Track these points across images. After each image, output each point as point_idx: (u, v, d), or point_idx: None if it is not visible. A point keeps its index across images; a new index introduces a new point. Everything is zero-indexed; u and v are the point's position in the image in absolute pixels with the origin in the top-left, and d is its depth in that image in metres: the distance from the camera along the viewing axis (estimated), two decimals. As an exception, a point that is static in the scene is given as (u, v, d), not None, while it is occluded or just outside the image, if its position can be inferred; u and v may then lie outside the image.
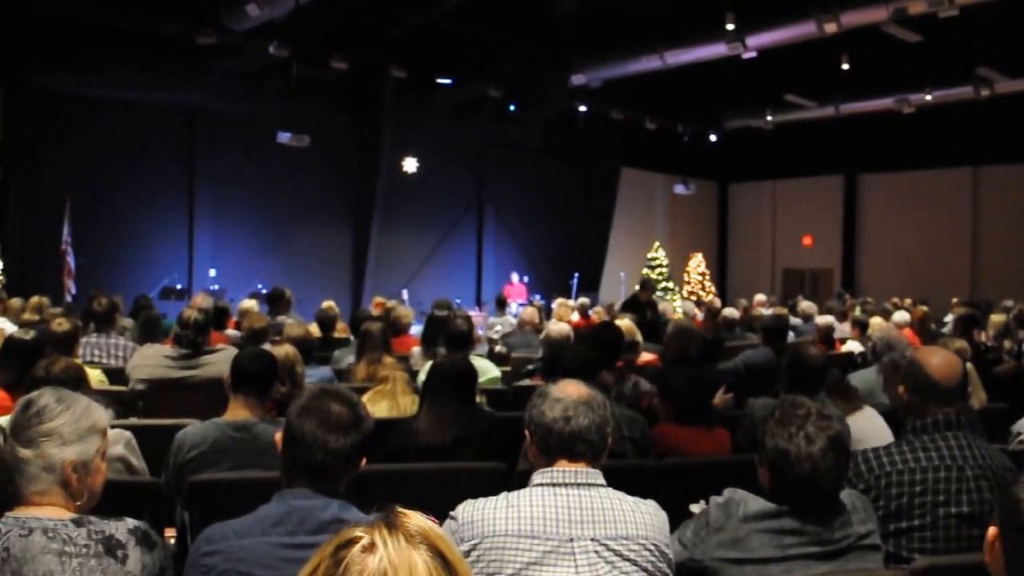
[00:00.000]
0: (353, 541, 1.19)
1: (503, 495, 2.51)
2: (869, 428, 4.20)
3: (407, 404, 5.06)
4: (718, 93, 20.75)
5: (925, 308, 12.69)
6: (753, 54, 15.64)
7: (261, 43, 14.56)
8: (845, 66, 16.71)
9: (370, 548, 1.17)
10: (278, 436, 2.42)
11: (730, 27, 15.12)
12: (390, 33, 16.14)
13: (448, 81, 17.50)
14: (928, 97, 18.76)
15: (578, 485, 2.50)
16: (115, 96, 15.41)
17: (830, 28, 14.26)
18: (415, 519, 1.24)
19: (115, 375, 6.12)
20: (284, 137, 15.03)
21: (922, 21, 14.35)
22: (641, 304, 11.12)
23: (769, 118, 21.63)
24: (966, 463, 3.06)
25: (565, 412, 2.56)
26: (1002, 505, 1.77)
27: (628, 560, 2.41)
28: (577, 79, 17.82)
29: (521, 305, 15.99)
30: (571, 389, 2.63)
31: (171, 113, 16.49)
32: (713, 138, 22.85)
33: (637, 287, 12.05)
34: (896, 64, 17.71)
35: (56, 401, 2.26)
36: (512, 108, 18.69)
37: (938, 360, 3.26)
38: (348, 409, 2.36)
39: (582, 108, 19.48)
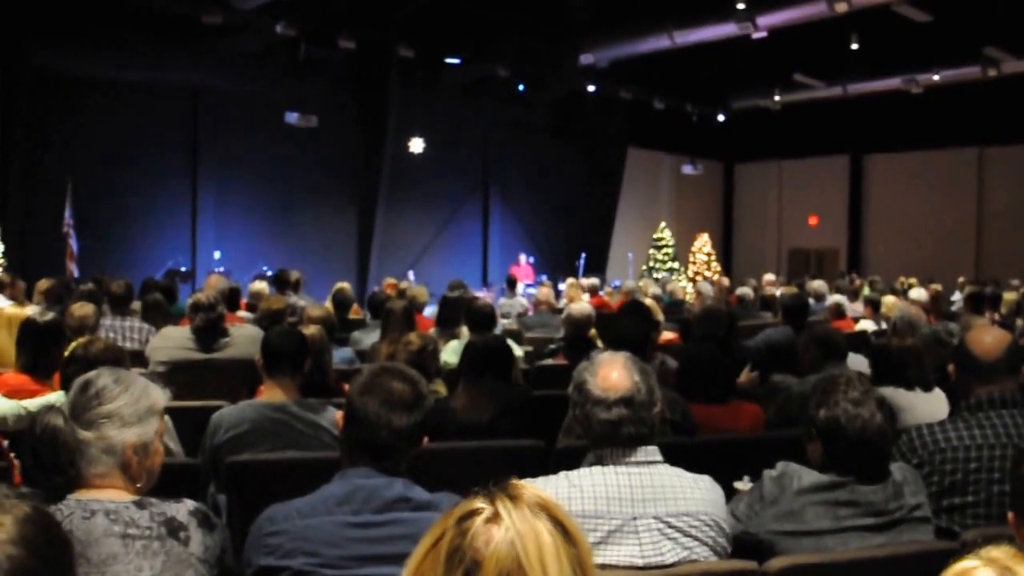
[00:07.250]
0: (476, 512, 1.21)
1: (563, 475, 2.49)
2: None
3: None
4: (726, 73, 20.61)
5: (938, 287, 12.69)
6: (763, 34, 15.56)
7: (268, 22, 14.43)
8: (854, 46, 16.64)
9: (494, 519, 1.19)
10: (339, 415, 2.41)
11: (740, 6, 15.06)
12: (398, 12, 16.01)
13: (456, 60, 17.39)
14: (936, 77, 18.67)
15: (638, 463, 2.49)
16: (118, 76, 15.19)
17: (840, 8, 14.18)
18: (532, 490, 1.25)
19: (132, 357, 6.09)
20: (292, 117, 14.91)
21: (931, 0, 14.27)
22: None
23: (777, 98, 21.52)
24: (1023, 441, 3.06)
25: (619, 416, 2.49)
26: (1014, 485, 1.83)
27: (690, 536, 2.42)
28: (585, 59, 17.70)
29: (528, 286, 15.95)
30: (614, 380, 2.54)
31: (175, 93, 16.26)
32: (721, 118, 22.76)
33: None
34: (905, 44, 17.60)
35: (114, 382, 2.23)
36: (520, 88, 18.59)
37: (986, 338, 3.26)
38: (410, 387, 2.35)
39: (590, 88, 19.37)
